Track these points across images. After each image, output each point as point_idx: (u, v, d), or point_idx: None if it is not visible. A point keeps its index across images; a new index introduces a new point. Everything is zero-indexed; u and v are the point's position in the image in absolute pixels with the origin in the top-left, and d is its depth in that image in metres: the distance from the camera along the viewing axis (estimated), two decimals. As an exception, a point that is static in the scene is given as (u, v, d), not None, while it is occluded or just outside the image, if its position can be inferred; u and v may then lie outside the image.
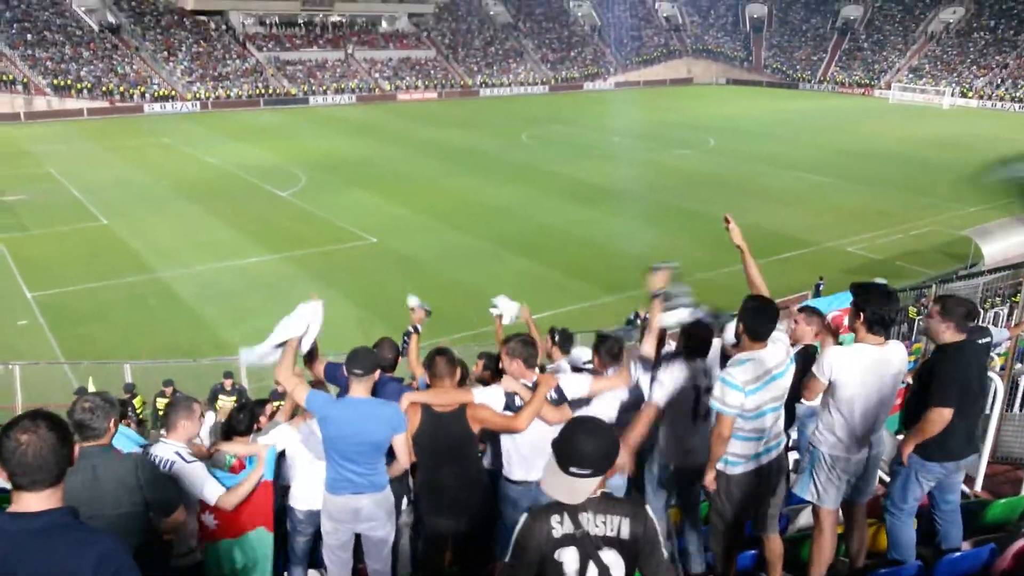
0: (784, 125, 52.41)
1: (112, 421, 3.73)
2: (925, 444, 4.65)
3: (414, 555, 5.24)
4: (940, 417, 4.50)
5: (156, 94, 58.22)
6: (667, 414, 4.88)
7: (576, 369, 5.37)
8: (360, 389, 4.46)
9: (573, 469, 2.67)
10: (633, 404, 4.90)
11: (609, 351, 4.85)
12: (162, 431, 4.67)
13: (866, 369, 4.34)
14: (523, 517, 2.82)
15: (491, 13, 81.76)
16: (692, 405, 4.84)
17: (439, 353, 4.65)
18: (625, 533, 2.75)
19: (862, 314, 4.34)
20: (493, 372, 5.52)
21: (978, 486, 6.74)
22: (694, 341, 5.01)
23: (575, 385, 4.72)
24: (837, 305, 7.49)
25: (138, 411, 12.79)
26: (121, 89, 57.08)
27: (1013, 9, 72.70)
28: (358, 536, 4.71)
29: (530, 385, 4.62)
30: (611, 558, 2.75)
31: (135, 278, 22.38)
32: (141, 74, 59.53)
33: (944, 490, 4.90)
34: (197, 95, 59.69)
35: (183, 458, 4.41)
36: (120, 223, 27.73)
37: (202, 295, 21.10)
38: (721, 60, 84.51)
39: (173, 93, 59.12)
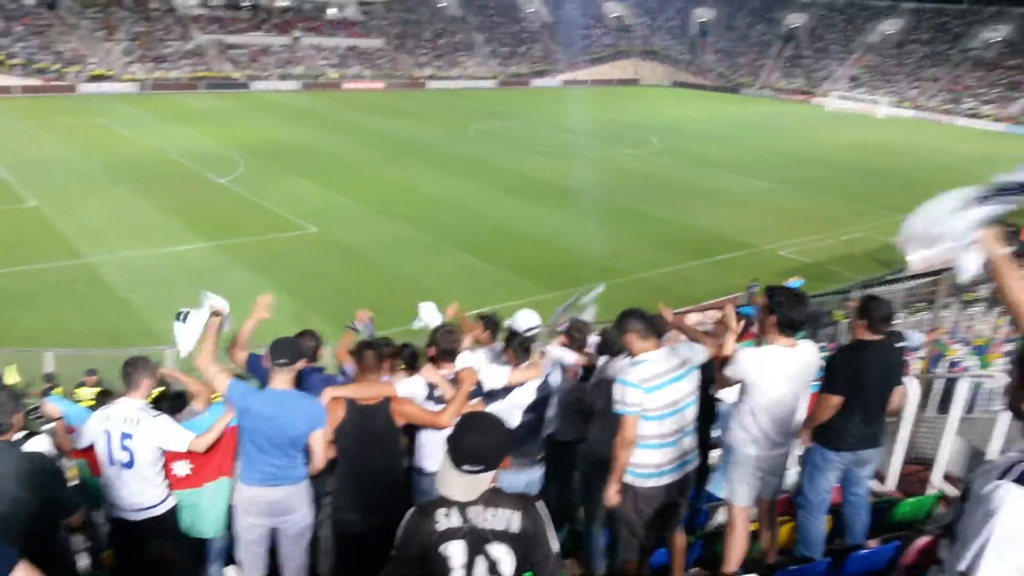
0: (726, 128, 53.21)
1: (16, 417, 3.69)
2: (824, 432, 4.84)
3: (336, 550, 5.19)
4: (826, 403, 4.69)
5: (92, 74, 56.39)
6: (604, 413, 5.00)
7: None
8: (282, 380, 4.34)
9: (467, 467, 2.69)
10: (553, 390, 5.40)
11: (520, 346, 5.27)
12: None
13: (775, 369, 4.44)
14: (409, 511, 2.82)
15: (441, 5, 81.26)
16: None
17: (368, 346, 4.61)
18: (515, 527, 2.76)
19: (773, 316, 4.44)
20: (408, 366, 5.71)
21: (890, 484, 6.97)
22: (615, 345, 5.27)
23: (495, 377, 4.86)
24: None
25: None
26: (56, 67, 55.13)
27: (947, 24, 75.14)
28: (275, 531, 4.57)
29: (451, 377, 4.68)
30: (500, 552, 2.74)
31: (63, 263, 21.65)
32: (78, 52, 57.59)
33: (850, 483, 5.11)
34: (135, 76, 58.02)
35: (148, 412, 4.46)
36: (49, 205, 26.79)
37: (132, 282, 20.51)
38: (667, 62, 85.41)
39: (110, 73, 57.35)
